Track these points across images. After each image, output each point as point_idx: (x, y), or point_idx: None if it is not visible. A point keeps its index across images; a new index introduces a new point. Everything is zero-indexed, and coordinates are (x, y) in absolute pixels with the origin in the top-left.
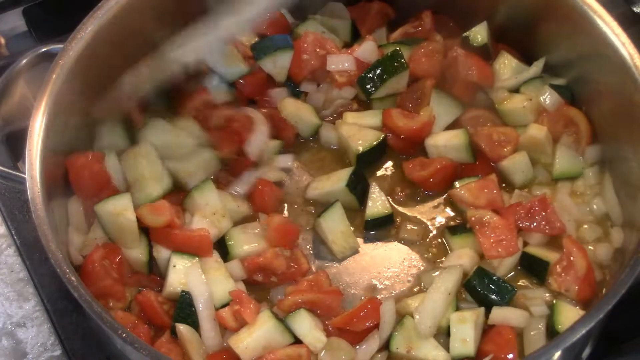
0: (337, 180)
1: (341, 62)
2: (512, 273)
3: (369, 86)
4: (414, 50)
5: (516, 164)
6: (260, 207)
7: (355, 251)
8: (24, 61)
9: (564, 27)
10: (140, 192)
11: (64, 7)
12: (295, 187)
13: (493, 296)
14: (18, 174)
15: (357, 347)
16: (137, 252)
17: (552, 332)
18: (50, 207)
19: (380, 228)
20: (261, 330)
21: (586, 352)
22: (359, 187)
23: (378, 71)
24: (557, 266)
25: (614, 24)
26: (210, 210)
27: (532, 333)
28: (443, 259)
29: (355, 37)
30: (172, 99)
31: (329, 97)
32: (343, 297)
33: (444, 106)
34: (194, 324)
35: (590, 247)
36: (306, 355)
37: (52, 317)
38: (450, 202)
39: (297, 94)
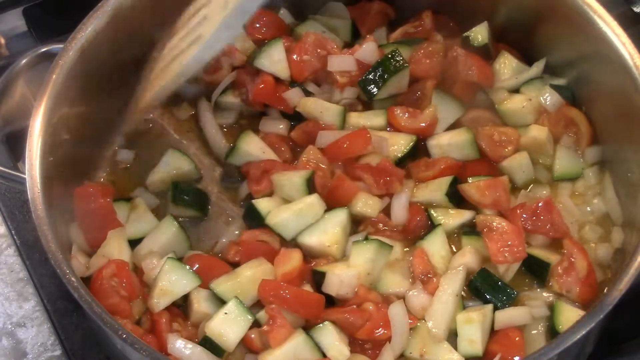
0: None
1: (342, 63)
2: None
3: (370, 87)
4: (414, 51)
5: (517, 164)
6: None
7: None
8: (24, 61)
9: (564, 27)
10: None
11: (64, 7)
12: None
13: (494, 298)
14: (18, 174)
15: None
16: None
17: (552, 332)
18: (50, 207)
19: None
20: (291, 344)
21: (586, 352)
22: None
23: (379, 72)
24: (558, 267)
25: (614, 24)
26: None
27: (532, 333)
28: None
29: (356, 36)
30: None
31: (334, 99)
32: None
33: (445, 106)
34: None
35: (592, 244)
36: None
37: (52, 317)
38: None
39: (307, 93)
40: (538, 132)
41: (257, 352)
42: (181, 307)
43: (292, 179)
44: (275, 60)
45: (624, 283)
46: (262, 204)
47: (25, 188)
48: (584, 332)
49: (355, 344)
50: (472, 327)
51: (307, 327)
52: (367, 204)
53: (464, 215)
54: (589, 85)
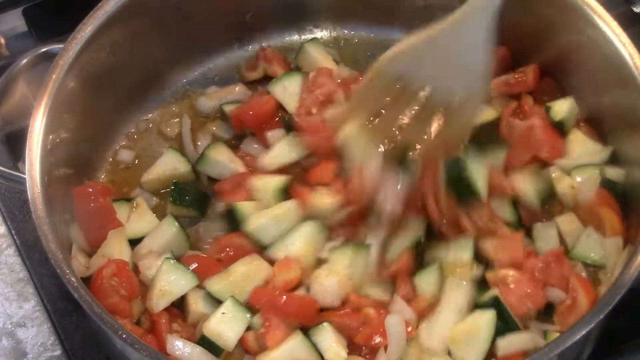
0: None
1: None
2: None
3: None
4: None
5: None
6: None
7: None
8: (24, 61)
9: (562, 27)
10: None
11: (64, 7)
12: None
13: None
14: (18, 174)
15: None
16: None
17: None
18: (50, 207)
19: None
20: (288, 345)
21: (586, 352)
22: None
23: None
24: (562, 306)
25: (614, 24)
26: None
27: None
28: None
29: None
30: None
31: None
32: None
33: None
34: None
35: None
36: None
37: (52, 317)
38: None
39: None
40: (564, 227)
41: (254, 354)
42: (180, 307)
43: (267, 185)
44: (288, 92)
45: (624, 283)
46: (244, 207)
47: (25, 188)
48: (584, 332)
49: (353, 347)
50: (460, 346)
51: (305, 328)
52: (323, 202)
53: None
54: (587, 85)
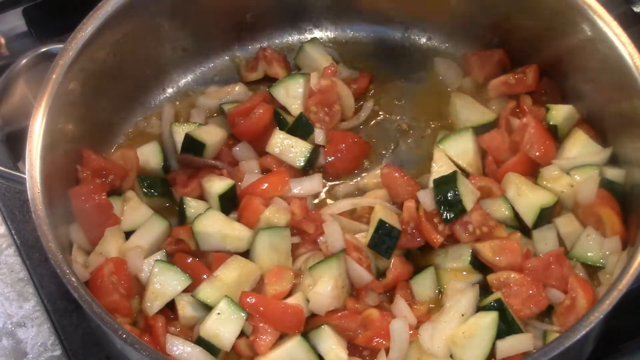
0: None
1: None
2: None
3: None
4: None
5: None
6: None
7: None
8: (24, 61)
9: (562, 27)
10: None
11: (64, 7)
12: None
13: (503, 329)
14: (18, 174)
15: None
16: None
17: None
18: (50, 207)
19: None
20: (285, 347)
21: (586, 352)
22: None
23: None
24: (561, 306)
25: (614, 24)
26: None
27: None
28: None
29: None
30: None
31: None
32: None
33: None
34: None
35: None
36: None
37: (52, 317)
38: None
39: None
40: (563, 228)
41: (249, 359)
42: (173, 309)
43: (211, 189)
44: (290, 94)
45: (624, 283)
46: (192, 204)
47: (25, 188)
48: (583, 332)
49: (353, 349)
50: (461, 348)
51: (305, 330)
52: (274, 216)
53: (472, 278)
54: (587, 85)
